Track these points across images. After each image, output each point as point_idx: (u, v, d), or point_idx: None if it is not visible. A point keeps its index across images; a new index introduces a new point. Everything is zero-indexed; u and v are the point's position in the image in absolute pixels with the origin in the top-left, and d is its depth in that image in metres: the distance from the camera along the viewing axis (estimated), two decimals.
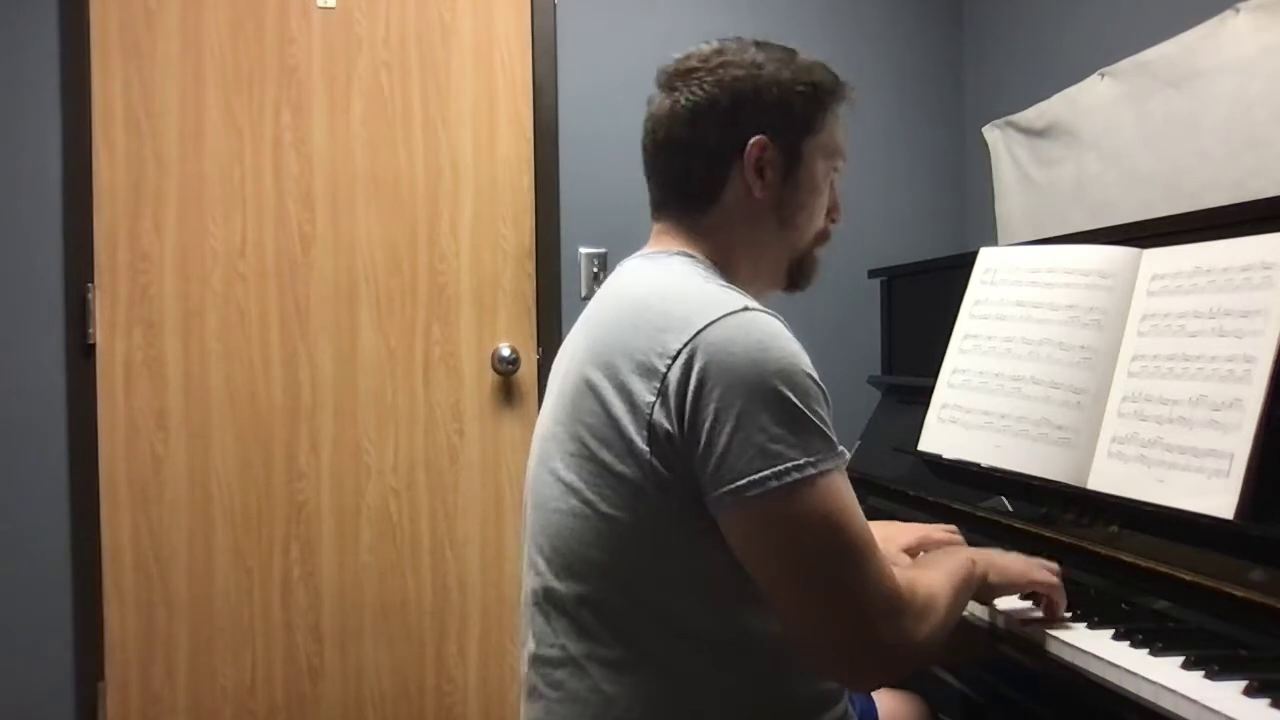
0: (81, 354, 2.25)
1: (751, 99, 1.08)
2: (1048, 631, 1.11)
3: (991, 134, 2.51)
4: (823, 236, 1.18)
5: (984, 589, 1.11)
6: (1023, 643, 1.16)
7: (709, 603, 0.99)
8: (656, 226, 1.15)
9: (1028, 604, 1.21)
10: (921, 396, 1.71)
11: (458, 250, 2.44)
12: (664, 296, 1.01)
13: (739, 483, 0.91)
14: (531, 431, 1.14)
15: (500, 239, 2.46)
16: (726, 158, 1.08)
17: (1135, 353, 1.32)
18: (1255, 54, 1.71)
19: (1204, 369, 1.19)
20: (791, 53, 1.13)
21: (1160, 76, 1.93)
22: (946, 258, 2.10)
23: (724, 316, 0.95)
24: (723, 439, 0.91)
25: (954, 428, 1.59)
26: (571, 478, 1.01)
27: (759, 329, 0.96)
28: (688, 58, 1.12)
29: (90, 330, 2.26)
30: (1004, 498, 1.49)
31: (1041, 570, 1.17)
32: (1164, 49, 1.92)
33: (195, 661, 2.31)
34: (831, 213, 1.18)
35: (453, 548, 2.44)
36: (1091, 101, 2.13)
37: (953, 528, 1.42)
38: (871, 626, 0.91)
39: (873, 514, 1.78)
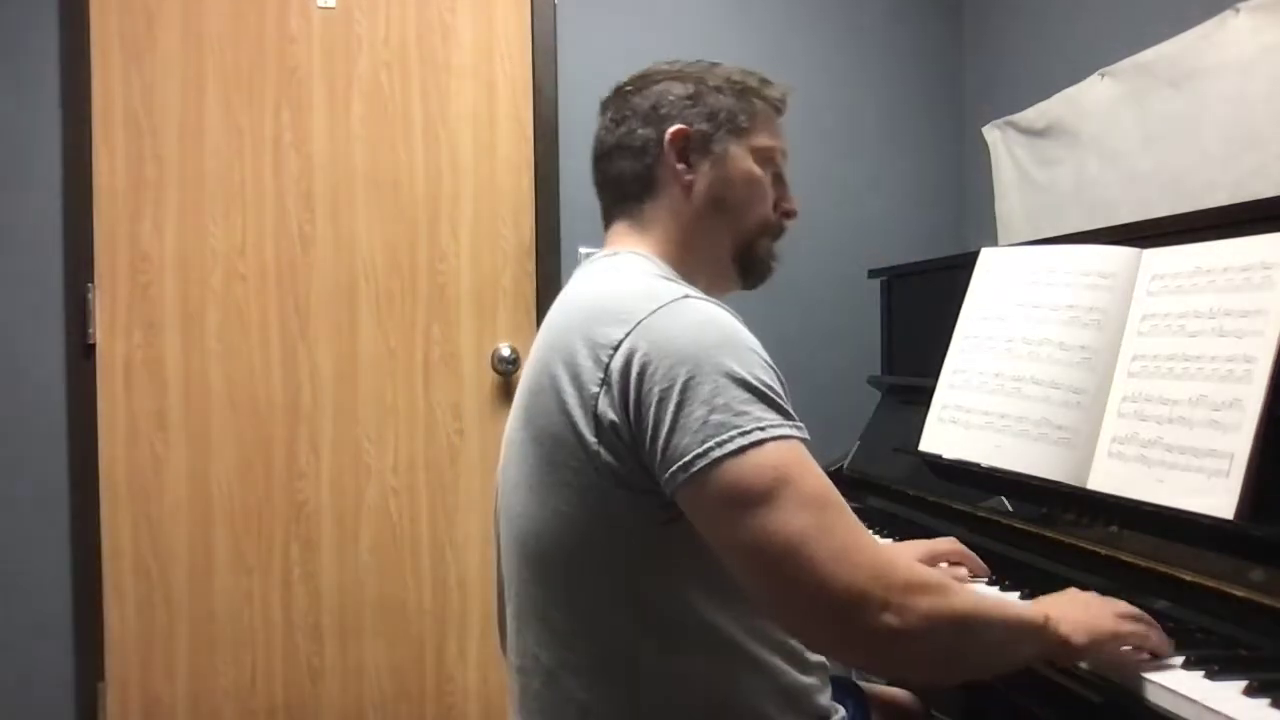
0: (81, 354, 2.25)
1: (669, 97, 1.15)
2: None
3: (991, 134, 2.51)
4: (772, 228, 1.20)
5: (1066, 650, 0.97)
6: None
7: (673, 598, 0.98)
8: (608, 232, 1.20)
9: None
10: (921, 396, 1.71)
11: (458, 250, 2.44)
12: (610, 293, 1.03)
13: (686, 457, 0.89)
14: None
15: (500, 239, 2.46)
16: (652, 151, 1.14)
17: (1135, 353, 1.32)
18: (1255, 54, 1.71)
19: (1204, 369, 1.19)
20: (716, 63, 1.21)
21: (1160, 76, 1.93)
22: (946, 258, 2.10)
23: (665, 305, 0.97)
24: (668, 418, 0.91)
25: (954, 428, 1.59)
26: (531, 480, 1.02)
27: (699, 312, 0.98)
28: (620, 82, 1.21)
29: (90, 330, 2.26)
30: (1004, 498, 1.49)
31: (1128, 620, 1.01)
32: (1164, 49, 1.92)
33: (195, 661, 2.31)
34: (780, 204, 1.21)
35: (453, 548, 2.44)
36: (1091, 101, 2.13)
37: (952, 540, 1.39)
38: (847, 581, 0.85)
39: (873, 514, 1.80)
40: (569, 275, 2.60)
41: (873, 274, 2.24)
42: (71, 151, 2.25)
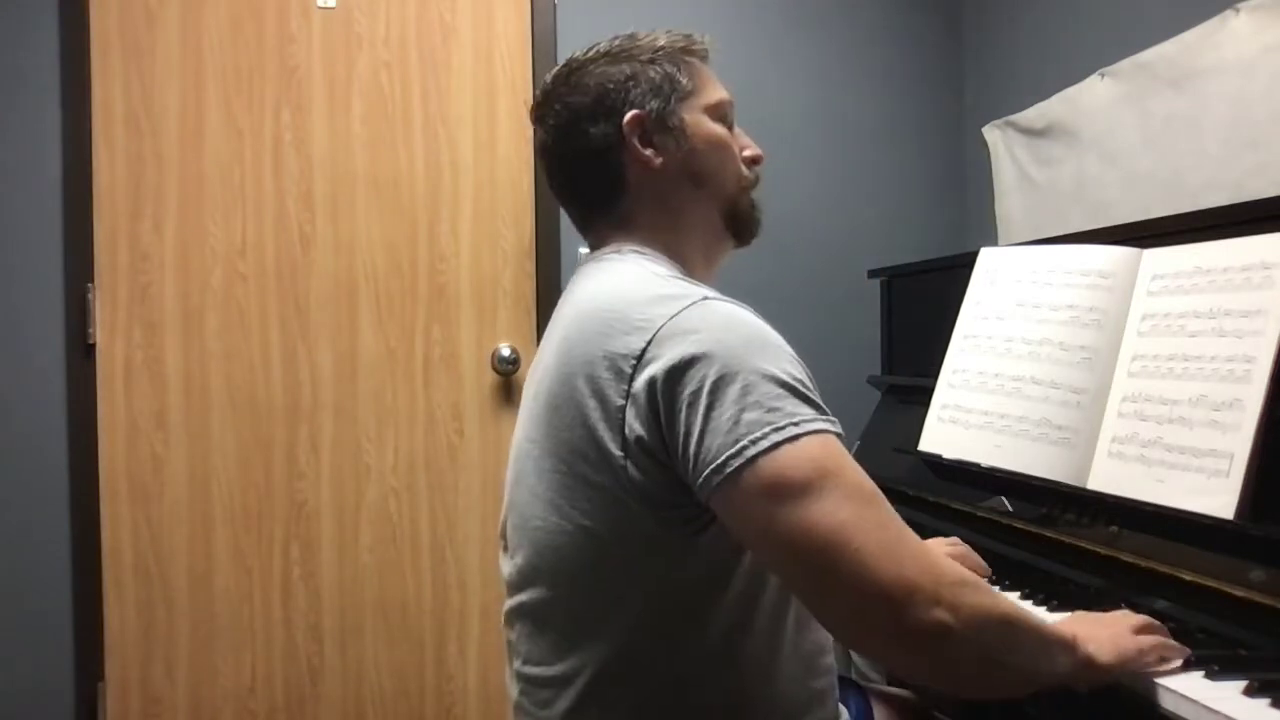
0: (81, 354, 2.25)
1: (610, 86, 1.11)
2: None
3: (991, 134, 2.51)
4: (748, 182, 1.17)
5: (1093, 669, 0.93)
6: None
7: (691, 612, 0.97)
8: (591, 237, 1.16)
9: None
10: (921, 396, 1.71)
11: (458, 250, 2.44)
12: (623, 298, 0.99)
13: (720, 458, 0.86)
14: None
15: (500, 239, 2.46)
16: (613, 146, 1.10)
17: (1135, 353, 1.32)
18: (1255, 54, 1.71)
19: (1204, 369, 1.19)
20: (631, 35, 1.16)
21: (1160, 76, 1.93)
22: (946, 258, 2.10)
23: (685, 308, 0.94)
24: (699, 422, 0.88)
25: (954, 428, 1.59)
26: (551, 494, 1.00)
27: (719, 313, 0.95)
28: (544, 84, 1.16)
29: (90, 330, 2.26)
30: (1004, 498, 1.49)
31: (1146, 634, 1.00)
32: (1164, 49, 1.92)
33: (195, 661, 2.31)
34: (745, 151, 1.17)
35: (453, 548, 2.44)
36: (1091, 101, 2.13)
37: (955, 540, 1.39)
38: (896, 574, 0.81)
39: None
40: (569, 275, 2.60)
41: (873, 274, 2.24)
42: (71, 151, 2.25)
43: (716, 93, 1.15)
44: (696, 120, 1.12)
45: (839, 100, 2.68)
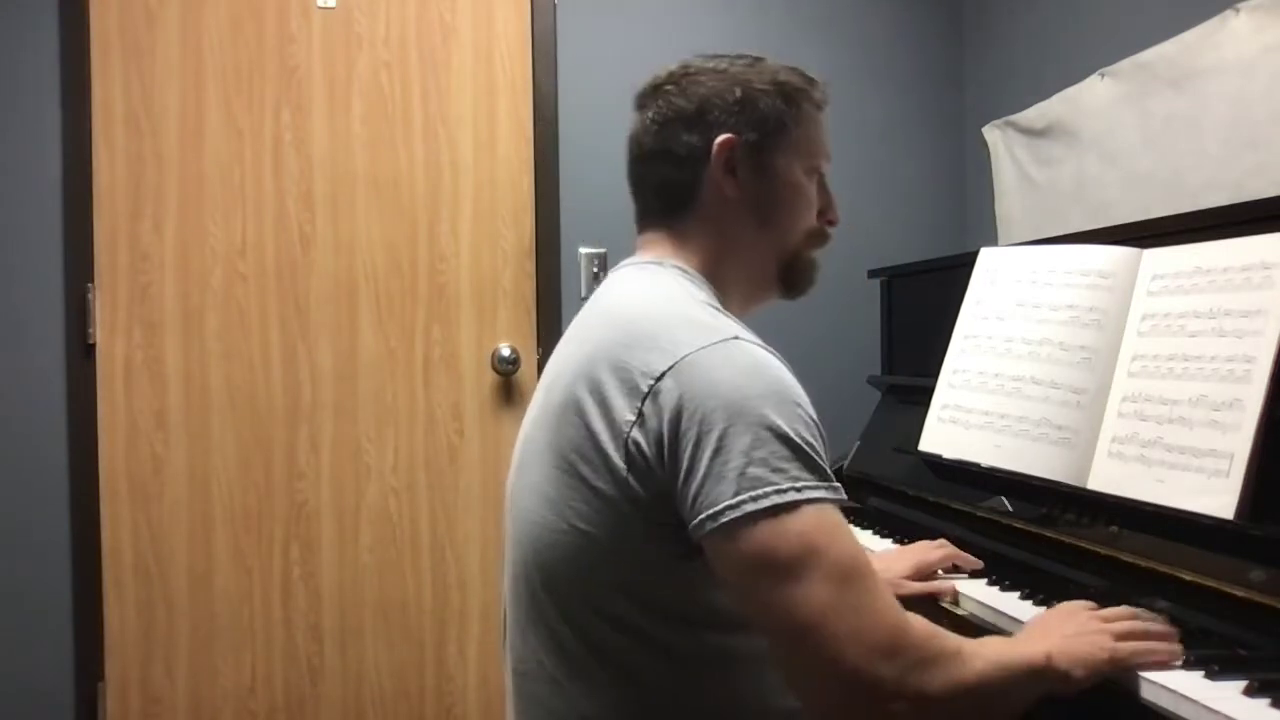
0: (81, 354, 2.25)
1: (716, 101, 1.08)
2: None
3: (991, 134, 2.51)
4: (817, 237, 1.15)
5: (1066, 684, 0.96)
6: None
7: (685, 622, 0.97)
8: (642, 237, 1.14)
9: None
10: (921, 396, 1.71)
11: (458, 250, 2.44)
12: (656, 315, 0.99)
13: (717, 507, 0.87)
14: None
15: (500, 239, 2.46)
16: (697, 160, 1.08)
17: (1135, 353, 1.32)
18: (1255, 54, 1.71)
19: (1204, 369, 1.19)
20: (759, 59, 1.13)
21: (1160, 76, 1.93)
22: (946, 258, 2.10)
23: (714, 343, 0.93)
24: (703, 465, 0.88)
25: (954, 428, 1.59)
26: (550, 491, 1.00)
27: (748, 356, 0.94)
28: (657, 76, 1.13)
29: (90, 330, 2.26)
30: (1004, 498, 1.49)
31: (1124, 645, 0.99)
32: (1164, 49, 1.92)
33: (195, 661, 2.31)
34: (825, 213, 1.15)
35: (453, 548, 2.44)
36: (1091, 101, 2.13)
37: (942, 542, 1.41)
38: (862, 664, 0.84)
39: (873, 514, 1.80)
40: (569, 275, 2.62)
41: (873, 274, 2.24)
42: (71, 151, 2.25)
43: (817, 146, 1.13)
44: (788, 166, 1.10)
45: (839, 100, 2.65)
